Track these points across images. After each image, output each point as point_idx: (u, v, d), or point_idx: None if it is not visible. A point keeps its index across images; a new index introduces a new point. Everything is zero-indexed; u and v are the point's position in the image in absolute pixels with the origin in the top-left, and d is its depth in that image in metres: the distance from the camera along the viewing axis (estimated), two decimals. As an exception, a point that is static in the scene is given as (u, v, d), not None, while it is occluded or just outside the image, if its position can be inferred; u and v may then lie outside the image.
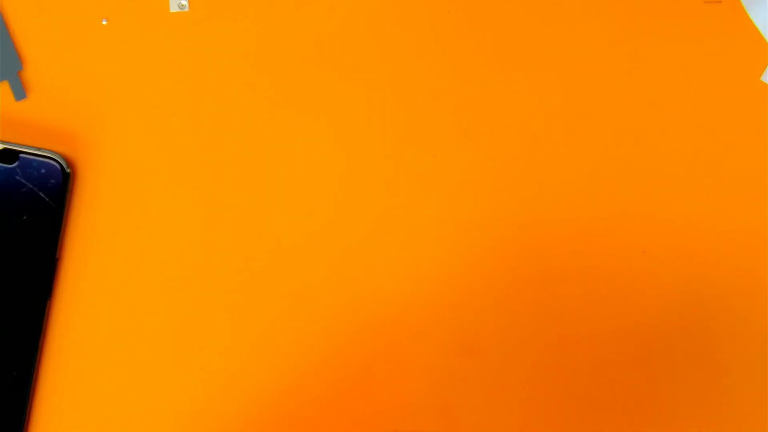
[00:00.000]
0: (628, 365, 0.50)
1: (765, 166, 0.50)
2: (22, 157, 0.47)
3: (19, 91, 0.48)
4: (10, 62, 0.48)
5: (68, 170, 0.48)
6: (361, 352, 0.49)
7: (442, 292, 0.49)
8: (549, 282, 0.49)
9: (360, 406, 0.49)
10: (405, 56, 0.50)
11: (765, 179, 0.50)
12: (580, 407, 0.49)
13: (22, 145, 0.48)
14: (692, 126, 0.50)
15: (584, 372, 0.50)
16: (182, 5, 0.49)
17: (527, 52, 0.50)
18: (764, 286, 0.50)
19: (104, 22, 0.49)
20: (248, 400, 0.49)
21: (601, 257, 0.49)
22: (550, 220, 0.50)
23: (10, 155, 0.48)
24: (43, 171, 0.48)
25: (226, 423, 0.49)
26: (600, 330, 0.49)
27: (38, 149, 0.48)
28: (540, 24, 0.50)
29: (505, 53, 0.50)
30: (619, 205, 0.50)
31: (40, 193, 0.48)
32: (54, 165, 0.48)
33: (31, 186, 0.48)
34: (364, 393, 0.49)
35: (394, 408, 0.49)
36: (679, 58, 0.50)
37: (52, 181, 0.48)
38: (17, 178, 0.47)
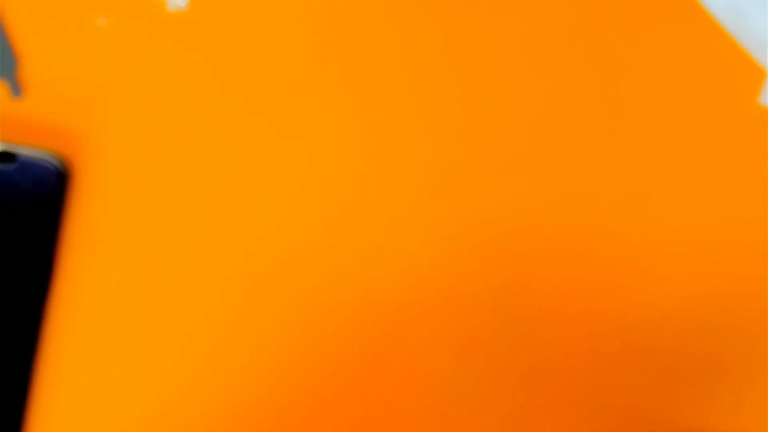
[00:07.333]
0: (630, 364, 0.50)
1: (765, 167, 0.50)
2: (20, 158, 0.47)
3: (15, 90, 0.48)
4: (6, 60, 0.48)
5: (66, 171, 0.47)
6: (361, 352, 0.50)
7: (443, 293, 0.50)
8: (549, 282, 0.50)
9: (359, 407, 0.49)
10: (406, 58, 0.50)
11: (765, 179, 0.50)
12: (580, 408, 0.50)
13: (20, 145, 0.47)
14: (692, 127, 0.50)
15: (585, 372, 0.50)
16: (181, 3, 0.49)
17: (527, 54, 0.50)
18: (765, 288, 0.50)
19: (102, 21, 0.49)
20: (247, 401, 0.49)
21: (601, 258, 0.50)
22: (550, 221, 0.50)
23: (7, 156, 0.47)
24: (40, 172, 0.47)
25: (226, 423, 0.49)
26: (600, 329, 0.50)
27: (36, 150, 0.47)
28: (539, 27, 0.50)
29: (506, 55, 0.50)
30: (619, 206, 0.50)
31: (38, 195, 0.47)
32: (52, 166, 0.47)
33: (28, 187, 0.47)
34: (363, 394, 0.49)
35: (394, 410, 0.50)
36: (678, 60, 0.50)
37: (50, 182, 0.47)
38: (14, 179, 0.47)
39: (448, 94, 0.50)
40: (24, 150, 0.47)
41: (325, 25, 0.50)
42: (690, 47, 0.50)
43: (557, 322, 0.50)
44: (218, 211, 0.49)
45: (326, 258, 0.49)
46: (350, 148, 0.50)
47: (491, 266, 0.50)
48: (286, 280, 0.49)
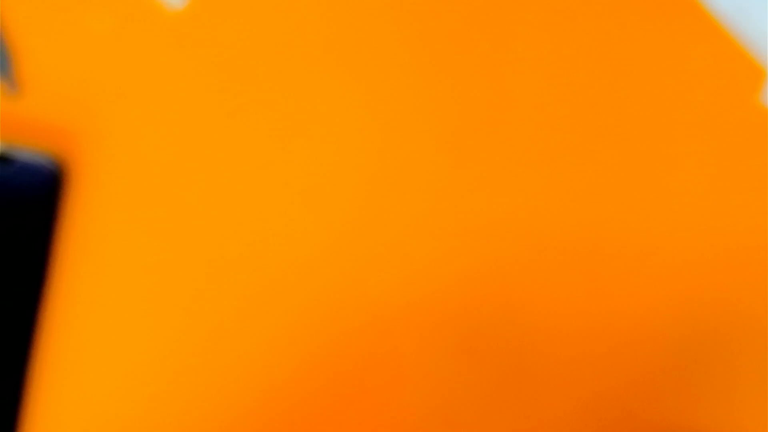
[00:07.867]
0: (630, 365, 0.50)
1: (765, 167, 0.50)
2: (16, 159, 0.47)
3: (12, 89, 0.48)
4: (3, 59, 0.48)
5: (63, 173, 0.47)
6: (361, 353, 0.49)
7: (441, 296, 0.50)
8: (549, 285, 0.50)
9: (359, 409, 0.49)
10: (405, 60, 0.50)
11: (765, 179, 0.50)
12: (579, 408, 0.50)
13: (17, 146, 0.47)
14: (692, 126, 0.50)
15: (584, 373, 0.50)
16: (179, 3, 0.49)
17: (525, 54, 0.50)
18: (764, 289, 0.50)
19: (99, 20, 0.48)
20: (246, 402, 0.49)
21: (601, 259, 0.50)
22: (549, 221, 0.50)
23: (4, 157, 0.47)
24: (37, 173, 0.47)
25: (225, 425, 0.49)
26: (600, 330, 0.50)
27: (33, 151, 0.47)
28: (538, 27, 0.50)
29: (504, 55, 0.50)
30: (618, 206, 0.50)
31: (35, 196, 0.47)
32: (49, 167, 0.47)
33: (25, 188, 0.47)
34: (363, 395, 0.49)
35: (394, 411, 0.49)
36: (678, 60, 0.50)
37: (47, 183, 0.47)
38: (11, 180, 0.47)
39: (446, 97, 0.50)
40: (21, 151, 0.47)
41: (326, 25, 0.49)
42: (690, 47, 0.50)
43: (557, 324, 0.50)
44: (217, 212, 0.49)
45: (325, 258, 0.49)
46: (350, 148, 0.49)
47: (490, 269, 0.50)
48: (282, 283, 0.49)
